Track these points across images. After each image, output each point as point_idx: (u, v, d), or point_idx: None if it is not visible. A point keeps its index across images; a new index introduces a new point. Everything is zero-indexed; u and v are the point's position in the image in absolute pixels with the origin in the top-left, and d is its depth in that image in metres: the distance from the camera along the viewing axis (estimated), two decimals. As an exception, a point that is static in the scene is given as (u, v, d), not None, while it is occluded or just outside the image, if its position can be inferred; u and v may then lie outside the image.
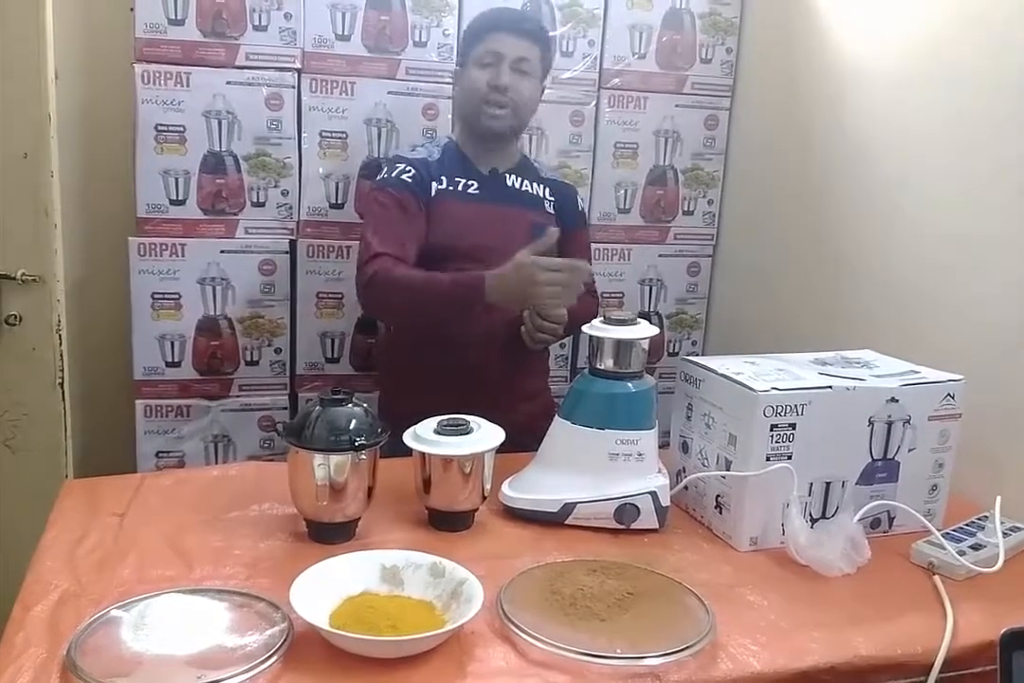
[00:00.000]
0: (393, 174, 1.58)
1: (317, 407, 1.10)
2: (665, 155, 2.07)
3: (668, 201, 2.09)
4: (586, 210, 1.79)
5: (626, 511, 1.17)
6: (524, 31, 1.57)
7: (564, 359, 2.08)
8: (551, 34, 1.91)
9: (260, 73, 1.79)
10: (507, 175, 1.64)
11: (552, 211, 1.66)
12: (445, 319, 1.50)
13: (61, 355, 1.70)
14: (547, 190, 1.67)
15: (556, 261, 1.37)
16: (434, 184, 1.58)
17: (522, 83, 1.56)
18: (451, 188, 1.58)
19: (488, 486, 1.18)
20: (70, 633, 0.87)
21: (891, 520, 1.21)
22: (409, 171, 1.57)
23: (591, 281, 1.75)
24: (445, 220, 1.57)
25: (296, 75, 1.81)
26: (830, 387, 1.14)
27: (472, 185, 1.60)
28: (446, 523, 1.17)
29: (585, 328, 1.21)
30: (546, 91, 1.93)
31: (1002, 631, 0.86)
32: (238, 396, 1.90)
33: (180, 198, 1.79)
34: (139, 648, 0.86)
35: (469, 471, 1.14)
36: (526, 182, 1.65)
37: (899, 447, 1.19)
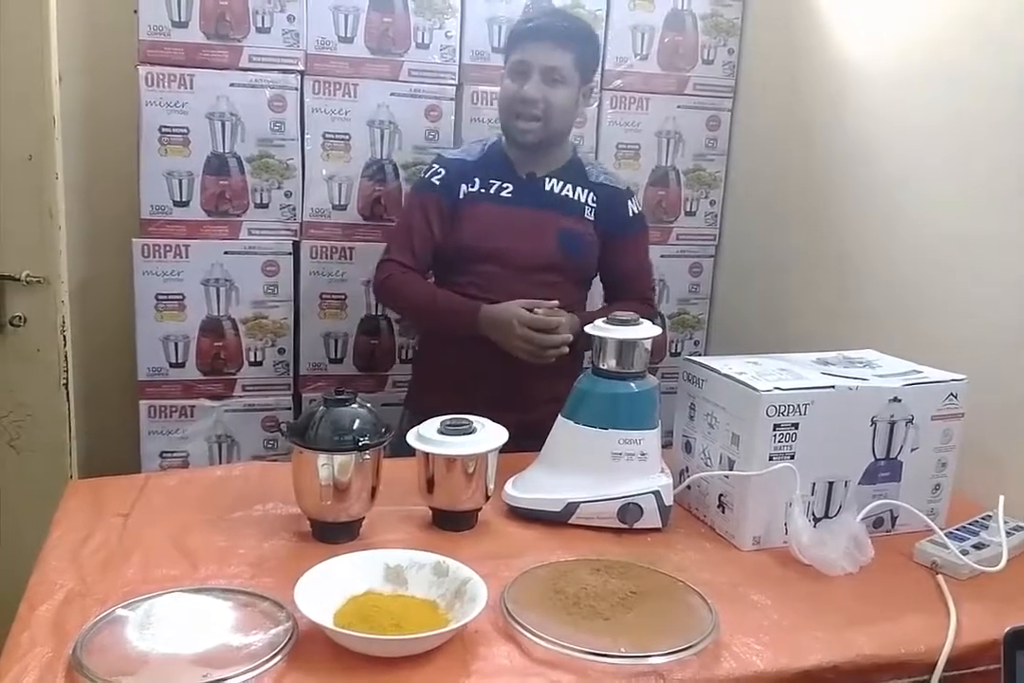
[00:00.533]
0: (426, 175, 1.63)
1: (321, 407, 1.10)
2: (667, 156, 2.07)
3: (670, 202, 2.10)
4: (641, 212, 1.72)
5: (629, 510, 1.17)
6: (553, 38, 1.53)
7: (567, 360, 2.08)
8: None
9: (263, 75, 1.79)
10: (547, 179, 1.62)
11: (591, 217, 1.63)
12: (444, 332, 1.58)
13: (65, 356, 1.71)
14: (591, 195, 1.63)
15: (533, 319, 1.44)
16: (463, 186, 1.59)
17: (554, 93, 1.54)
18: (482, 190, 1.59)
19: (491, 486, 1.18)
20: (75, 632, 0.87)
21: (894, 519, 1.22)
22: (440, 173, 1.60)
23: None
24: (471, 222, 1.58)
25: (299, 77, 1.81)
26: (833, 387, 1.15)
27: (507, 188, 1.60)
28: (449, 522, 1.17)
29: (588, 328, 1.22)
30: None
31: (1006, 630, 0.86)
32: (242, 396, 1.90)
33: (184, 199, 1.80)
34: (144, 647, 0.86)
35: (472, 471, 1.15)
36: (568, 186, 1.63)
37: (902, 447, 1.19)
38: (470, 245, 1.58)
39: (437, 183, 1.60)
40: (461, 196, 1.59)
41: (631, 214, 1.68)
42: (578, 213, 1.63)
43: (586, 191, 1.64)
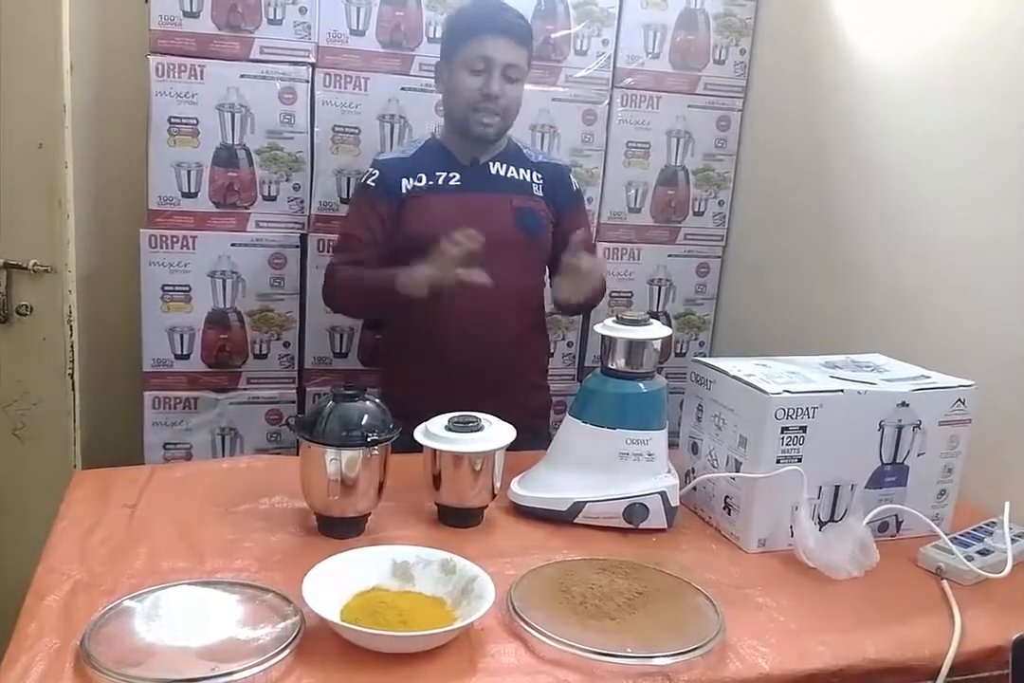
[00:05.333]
0: (361, 180, 1.63)
1: (330, 402, 1.10)
2: (677, 155, 2.07)
3: (679, 201, 2.09)
4: (581, 188, 1.76)
5: (635, 511, 1.17)
6: (513, 35, 1.54)
7: (572, 358, 2.08)
8: (564, 32, 1.91)
9: (274, 67, 1.79)
10: (491, 164, 1.63)
11: (540, 194, 1.65)
12: (383, 312, 1.62)
13: (72, 346, 1.70)
14: (535, 174, 1.66)
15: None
16: (404, 182, 1.59)
17: (511, 89, 1.56)
18: (430, 183, 1.60)
19: (498, 483, 1.19)
20: (83, 623, 0.88)
21: (899, 524, 1.22)
22: (374, 175, 1.60)
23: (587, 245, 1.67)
24: (421, 215, 1.58)
25: (310, 69, 1.81)
26: (841, 391, 1.15)
27: (453, 177, 1.61)
28: (456, 519, 1.17)
29: (597, 328, 1.22)
30: (559, 89, 1.95)
31: (1014, 637, 0.86)
32: (246, 389, 1.90)
33: (192, 191, 1.80)
34: (152, 639, 0.86)
35: (479, 468, 1.15)
36: (512, 168, 1.64)
37: (909, 451, 1.19)
38: (429, 236, 1.54)
39: (373, 184, 1.59)
40: (403, 191, 1.59)
41: (574, 188, 1.72)
42: (528, 192, 1.64)
43: (530, 171, 1.66)
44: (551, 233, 1.66)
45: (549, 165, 1.69)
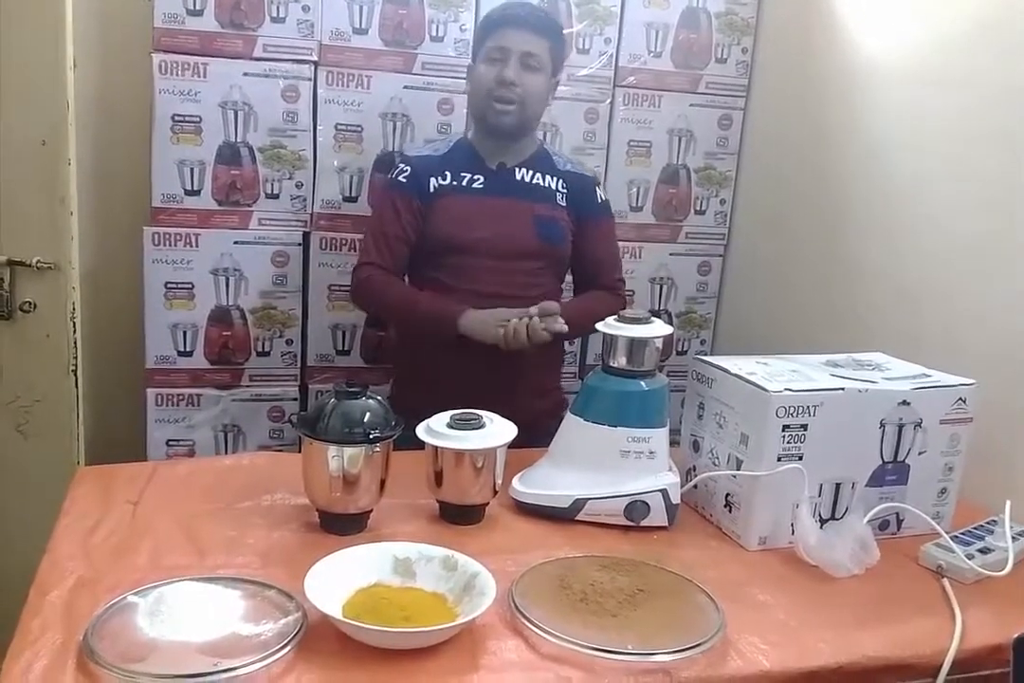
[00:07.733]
0: (392, 174, 1.64)
1: (332, 399, 1.10)
2: (678, 154, 2.07)
3: (680, 200, 2.10)
4: (607, 199, 1.75)
5: (636, 508, 1.17)
6: (531, 25, 1.56)
7: (574, 356, 2.09)
8: (567, 30, 1.92)
9: (277, 65, 1.79)
10: (516, 169, 1.64)
11: (564, 203, 1.65)
12: (420, 333, 1.62)
13: (75, 342, 1.71)
14: (561, 182, 1.66)
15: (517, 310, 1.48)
16: (433, 181, 1.60)
17: (530, 78, 1.56)
18: (455, 183, 1.60)
19: (499, 481, 1.19)
20: (86, 619, 0.88)
21: (900, 522, 1.22)
22: (406, 171, 1.61)
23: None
24: (445, 215, 1.59)
25: (313, 68, 1.81)
26: (842, 389, 1.15)
27: (478, 180, 1.61)
28: (457, 516, 1.18)
29: (599, 326, 1.22)
30: (561, 88, 1.94)
31: (1015, 635, 0.86)
32: (249, 386, 1.91)
33: (195, 188, 1.80)
34: (155, 635, 0.87)
35: (481, 465, 1.15)
36: (538, 175, 1.65)
37: (909, 450, 1.19)
38: (447, 237, 1.59)
39: (404, 181, 1.60)
40: (431, 190, 1.60)
41: (599, 200, 1.71)
42: (551, 200, 1.64)
43: (556, 179, 1.66)
44: (571, 242, 1.66)
45: (576, 175, 1.68)
